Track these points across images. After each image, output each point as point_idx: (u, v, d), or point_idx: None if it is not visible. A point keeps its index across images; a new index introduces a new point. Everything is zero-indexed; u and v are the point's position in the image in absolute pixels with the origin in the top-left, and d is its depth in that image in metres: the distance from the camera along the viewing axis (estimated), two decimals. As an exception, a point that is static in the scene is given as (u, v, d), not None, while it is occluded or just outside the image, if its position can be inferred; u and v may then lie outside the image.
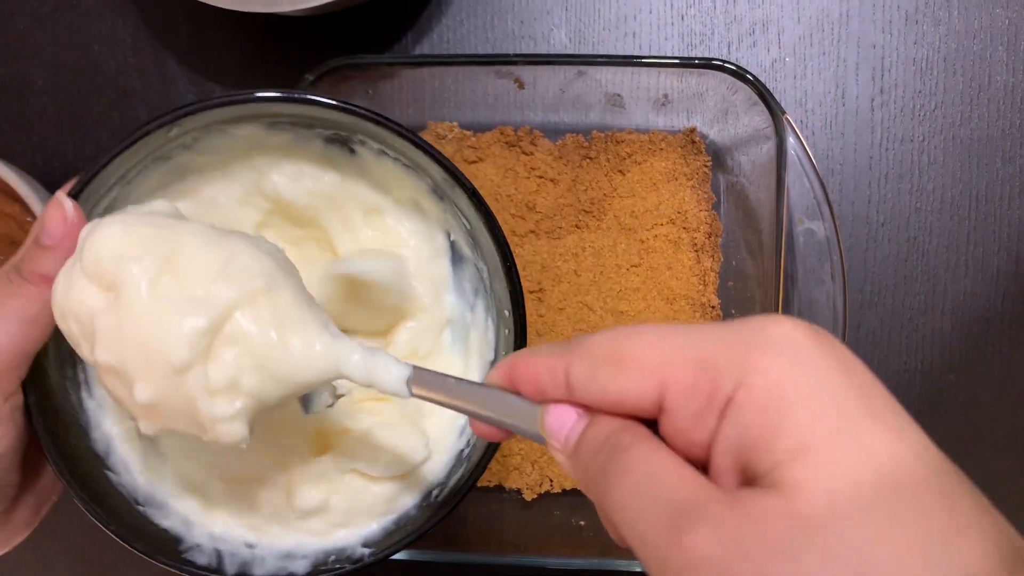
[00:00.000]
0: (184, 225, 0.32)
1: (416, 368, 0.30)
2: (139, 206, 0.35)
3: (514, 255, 0.53)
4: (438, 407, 0.30)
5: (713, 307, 0.53)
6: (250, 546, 0.40)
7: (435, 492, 0.41)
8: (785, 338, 0.23)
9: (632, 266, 0.53)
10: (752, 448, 0.22)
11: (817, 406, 0.22)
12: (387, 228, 0.43)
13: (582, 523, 0.52)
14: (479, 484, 0.53)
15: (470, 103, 0.54)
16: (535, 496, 0.53)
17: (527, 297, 0.53)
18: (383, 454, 0.40)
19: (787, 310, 0.47)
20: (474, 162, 0.54)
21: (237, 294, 0.29)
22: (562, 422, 0.26)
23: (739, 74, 0.47)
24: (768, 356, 0.23)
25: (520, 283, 0.40)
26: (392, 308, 0.43)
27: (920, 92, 0.54)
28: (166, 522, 0.40)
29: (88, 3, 0.56)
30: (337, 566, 0.39)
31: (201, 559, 0.39)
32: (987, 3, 0.54)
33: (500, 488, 0.53)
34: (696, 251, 0.53)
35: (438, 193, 0.42)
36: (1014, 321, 0.54)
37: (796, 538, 0.20)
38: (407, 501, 0.42)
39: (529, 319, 0.53)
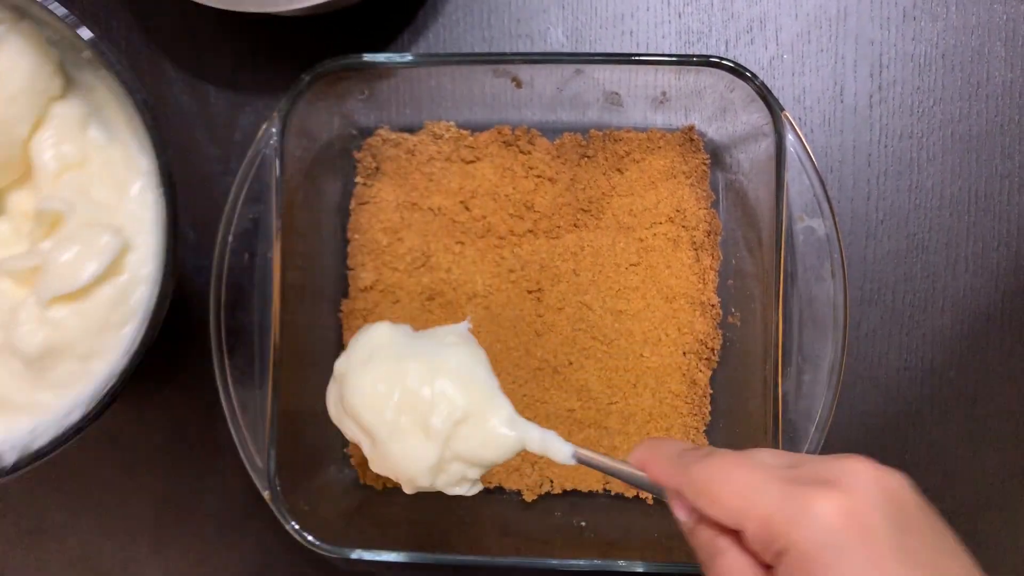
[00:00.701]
0: (408, 362, 0.39)
1: (576, 448, 0.39)
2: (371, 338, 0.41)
3: (513, 255, 0.53)
4: (125, 201, 0.40)
5: (713, 305, 0.52)
6: (32, 430, 0.40)
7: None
8: (847, 486, 0.30)
9: (631, 265, 0.52)
10: None
11: (849, 568, 0.29)
12: None
13: (583, 523, 0.51)
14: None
15: (467, 102, 0.53)
16: (535, 497, 0.52)
17: (526, 298, 0.53)
18: (76, 266, 0.39)
19: (787, 308, 0.47)
20: (472, 162, 0.53)
21: (452, 424, 0.38)
22: (681, 513, 0.35)
23: (738, 71, 0.46)
24: (820, 503, 0.30)
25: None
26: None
27: (919, 88, 0.54)
28: None
29: (82, 5, 0.56)
30: (107, 388, 0.39)
31: None
32: (985, -1, 0.54)
33: (500, 489, 0.53)
34: (695, 249, 0.53)
35: None
36: (1014, 318, 0.54)
37: None
38: (139, 292, 0.41)
39: (528, 319, 0.52)
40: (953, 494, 0.54)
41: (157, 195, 0.41)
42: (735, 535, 0.32)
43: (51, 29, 0.41)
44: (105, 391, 0.39)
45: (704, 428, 0.52)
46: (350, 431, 0.41)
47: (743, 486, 0.31)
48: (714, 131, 0.53)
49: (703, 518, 0.33)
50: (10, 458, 0.39)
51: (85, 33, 0.39)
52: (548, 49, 0.55)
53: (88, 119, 0.43)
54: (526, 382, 0.52)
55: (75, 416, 0.39)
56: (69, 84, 0.43)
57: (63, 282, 0.39)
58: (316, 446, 0.51)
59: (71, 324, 0.40)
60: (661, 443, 0.37)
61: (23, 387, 0.41)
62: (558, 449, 0.39)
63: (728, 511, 0.32)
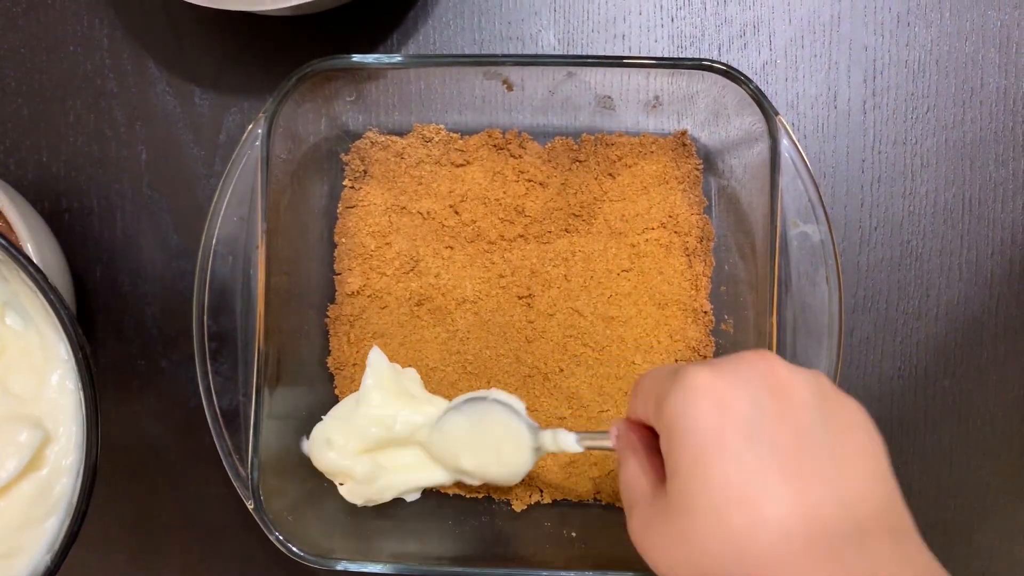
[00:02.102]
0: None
1: (579, 433, 0.44)
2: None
3: (503, 260, 0.52)
4: (44, 390, 0.40)
5: (705, 312, 0.52)
6: None
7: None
8: (686, 388, 0.32)
9: (623, 271, 0.52)
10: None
11: (684, 443, 0.32)
12: None
13: (573, 534, 0.50)
14: (468, 495, 0.52)
15: (457, 105, 0.53)
16: (525, 507, 0.51)
17: (517, 303, 0.52)
18: None
19: (781, 315, 0.47)
20: (461, 165, 0.53)
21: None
22: (612, 441, 0.40)
23: (731, 75, 0.46)
24: (671, 402, 0.32)
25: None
26: None
27: (912, 95, 0.54)
28: None
29: (63, 3, 0.55)
30: None
31: None
32: (979, 5, 0.54)
33: (490, 499, 0.52)
34: (688, 255, 0.52)
35: None
36: (1008, 325, 0.54)
37: (666, 523, 0.32)
38: (62, 484, 0.39)
39: (519, 325, 0.52)
40: (947, 503, 0.54)
41: (77, 385, 0.39)
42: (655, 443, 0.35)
43: None
44: None
45: (696, 437, 0.52)
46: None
47: (649, 379, 0.35)
48: (707, 136, 0.52)
49: (627, 440, 0.38)
50: None
51: None
52: (539, 52, 0.54)
53: (4, 308, 0.41)
54: (516, 389, 0.51)
55: None
56: None
57: None
58: (301, 455, 0.50)
59: None
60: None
61: None
62: (566, 441, 0.43)
63: (636, 404, 0.36)
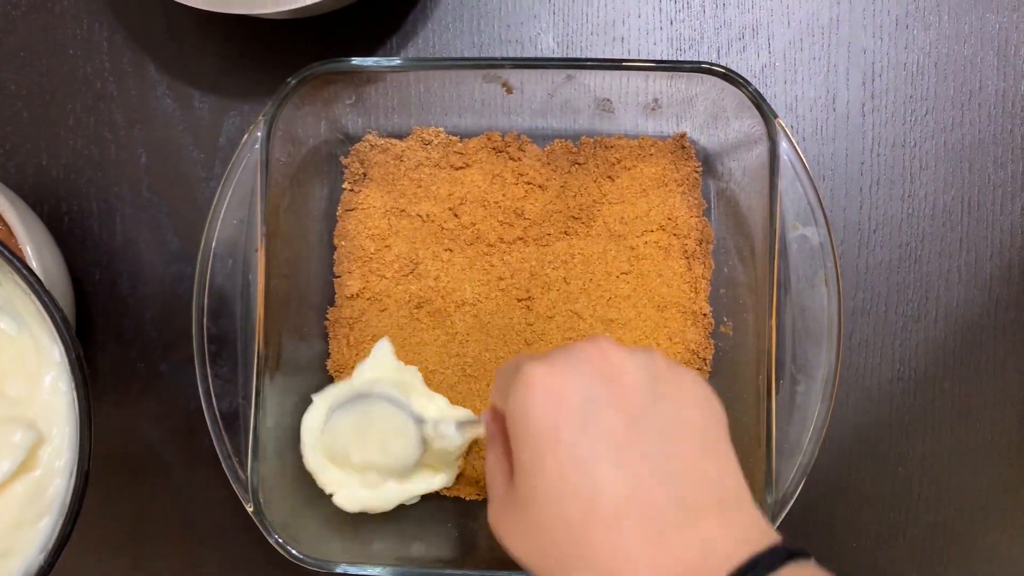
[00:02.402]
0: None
1: (460, 422, 0.45)
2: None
3: (503, 262, 0.52)
4: (37, 392, 0.40)
5: (704, 315, 0.52)
6: None
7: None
8: (524, 384, 0.33)
9: (622, 273, 0.52)
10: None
11: (524, 438, 0.33)
12: None
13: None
14: (467, 497, 0.51)
15: (457, 108, 0.53)
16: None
17: (516, 306, 0.52)
18: None
19: (780, 318, 0.47)
20: (461, 168, 0.53)
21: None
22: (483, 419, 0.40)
23: (730, 77, 0.46)
24: (512, 398, 0.33)
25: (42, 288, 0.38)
26: None
27: (911, 97, 0.54)
28: None
29: (63, 5, 0.55)
30: None
31: None
32: (977, 7, 0.54)
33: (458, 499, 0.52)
34: (687, 258, 0.52)
35: None
36: (1008, 328, 0.54)
37: (515, 514, 0.34)
38: (55, 486, 0.39)
39: (518, 328, 0.52)
40: (947, 506, 0.54)
41: (70, 387, 0.39)
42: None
43: None
44: None
45: (696, 439, 0.52)
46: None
47: (501, 372, 0.36)
48: (706, 139, 0.52)
49: (490, 429, 0.39)
50: None
51: None
52: (539, 55, 0.55)
53: None
54: (515, 392, 0.51)
55: None
56: None
57: None
58: (300, 457, 0.50)
59: None
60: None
61: None
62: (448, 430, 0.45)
63: (495, 395, 0.37)
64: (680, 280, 0.52)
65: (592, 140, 0.53)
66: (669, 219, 0.52)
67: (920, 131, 0.54)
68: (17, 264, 0.37)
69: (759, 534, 0.32)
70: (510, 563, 0.49)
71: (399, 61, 0.47)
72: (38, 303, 0.38)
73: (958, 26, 0.54)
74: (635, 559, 0.30)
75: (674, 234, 0.52)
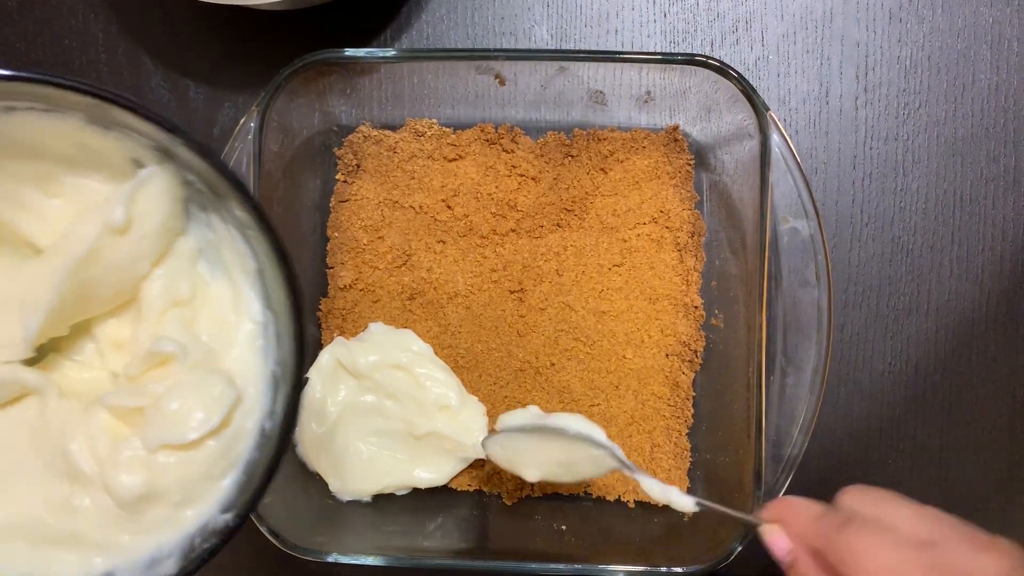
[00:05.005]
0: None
1: (701, 500, 0.43)
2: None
3: (495, 254, 0.52)
4: (232, 345, 0.39)
5: (696, 307, 0.52)
6: (109, 573, 0.37)
7: (266, 424, 0.38)
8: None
9: (614, 265, 0.52)
10: None
11: None
12: (73, 188, 0.38)
13: (563, 527, 0.51)
14: (459, 488, 0.52)
15: (450, 100, 0.53)
16: (516, 500, 0.52)
17: (508, 298, 0.52)
18: (188, 416, 0.37)
19: (771, 310, 0.47)
20: (454, 160, 0.53)
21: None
22: (781, 551, 0.40)
23: (723, 70, 0.46)
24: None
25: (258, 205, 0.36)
26: (119, 283, 0.39)
27: (904, 91, 0.54)
28: None
29: (59, -3, 0.55)
30: (206, 545, 0.36)
31: None
32: (971, 2, 0.54)
33: (481, 492, 0.52)
34: (679, 250, 0.52)
35: (100, 123, 0.36)
36: (998, 321, 0.54)
37: None
38: (242, 445, 0.38)
39: (510, 319, 0.52)
40: (937, 498, 0.54)
41: (265, 344, 0.39)
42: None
43: (194, 172, 0.38)
44: (199, 551, 0.37)
45: (687, 431, 0.52)
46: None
47: (887, 570, 0.35)
48: (698, 131, 0.52)
49: (800, 558, 0.38)
50: None
51: (245, 195, 0.36)
52: (532, 47, 0.55)
53: (198, 255, 0.41)
54: (507, 383, 0.52)
55: (164, 571, 0.37)
56: (187, 219, 0.41)
57: (172, 432, 0.37)
58: (292, 447, 0.50)
59: (173, 471, 0.37)
60: (799, 503, 0.40)
61: (104, 525, 0.38)
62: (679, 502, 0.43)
63: (793, 531, 0.38)
64: (672, 272, 0.52)
65: (585, 132, 0.53)
66: (661, 211, 0.52)
67: (913, 125, 0.54)
68: (271, 233, 0.36)
69: None
70: (499, 553, 0.49)
71: (393, 52, 0.48)
72: (280, 278, 0.36)
73: (951, 20, 0.54)
74: None
75: (666, 226, 0.52)
